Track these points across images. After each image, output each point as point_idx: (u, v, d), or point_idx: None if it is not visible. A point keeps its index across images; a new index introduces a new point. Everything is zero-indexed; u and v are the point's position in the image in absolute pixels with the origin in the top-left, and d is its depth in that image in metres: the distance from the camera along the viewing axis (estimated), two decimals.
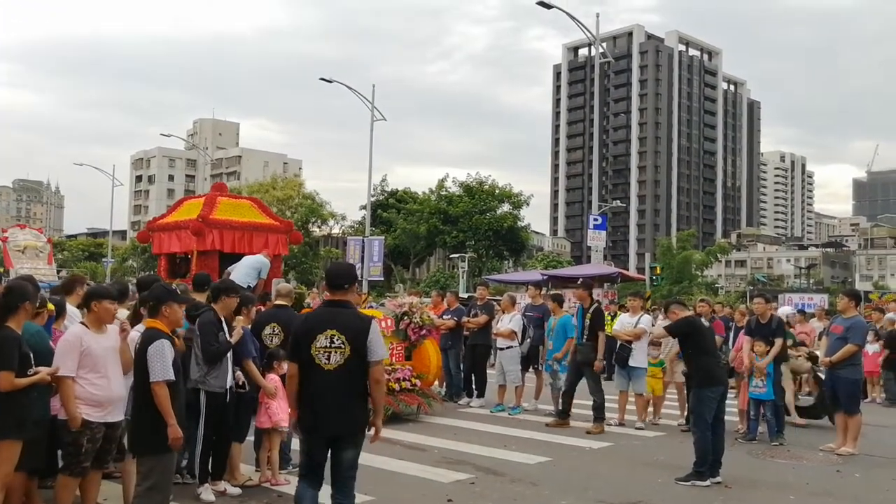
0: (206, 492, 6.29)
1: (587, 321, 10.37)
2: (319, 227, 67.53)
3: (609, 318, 12.77)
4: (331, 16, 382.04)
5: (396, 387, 10.12)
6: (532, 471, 7.79)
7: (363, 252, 34.77)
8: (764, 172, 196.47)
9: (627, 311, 11.60)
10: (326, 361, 4.70)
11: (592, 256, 29.33)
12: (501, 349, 11.74)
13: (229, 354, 6.46)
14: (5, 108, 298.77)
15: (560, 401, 10.67)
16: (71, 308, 6.44)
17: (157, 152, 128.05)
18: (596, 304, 10.70)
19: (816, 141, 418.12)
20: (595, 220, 28.53)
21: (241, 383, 6.62)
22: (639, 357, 10.68)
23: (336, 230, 70.11)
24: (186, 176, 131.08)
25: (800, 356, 11.30)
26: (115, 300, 5.48)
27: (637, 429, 10.33)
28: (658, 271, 43.84)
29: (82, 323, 5.43)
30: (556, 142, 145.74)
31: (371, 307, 15.18)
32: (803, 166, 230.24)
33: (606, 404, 10.34)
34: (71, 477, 5.23)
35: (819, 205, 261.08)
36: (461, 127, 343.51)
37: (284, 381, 5.55)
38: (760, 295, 10.95)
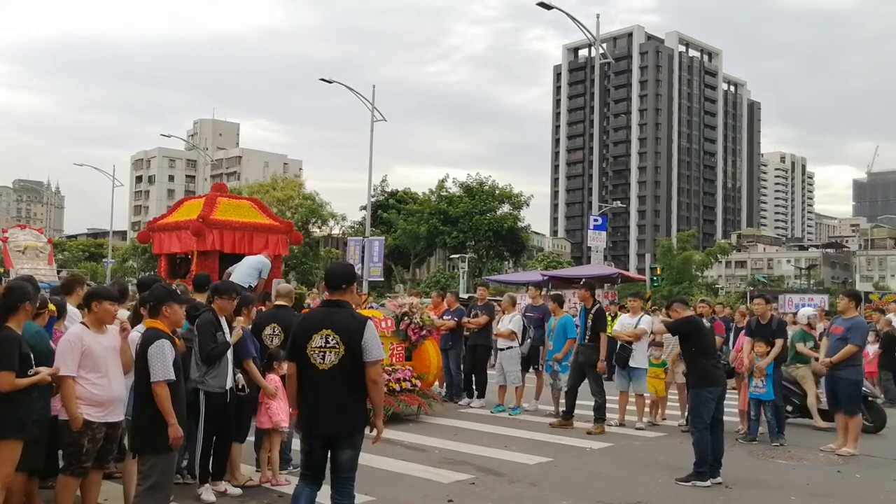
0: (207, 492, 6.29)
1: (589, 322, 10.37)
2: (320, 227, 67.52)
3: (609, 318, 12.77)
4: (330, 16, 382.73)
5: (397, 387, 10.13)
6: (532, 471, 7.79)
7: (363, 252, 34.74)
8: (764, 173, 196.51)
9: (627, 311, 11.61)
10: (321, 361, 4.71)
11: (593, 257, 29.30)
12: (502, 350, 11.74)
13: (230, 355, 6.46)
14: (5, 109, 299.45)
15: (563, 401, 10.67)
16: (71, 308, 6.44)
17: (158, 153, 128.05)
18: (598, 305, 10.70)
19: (817, 142, 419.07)
20: (595, 220, 28.50)
21: (241, 386, 6.62)
22: (639, 358, 10.68)
23: (336, 231, 70.15)
24: (187, 176, 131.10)
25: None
26: (115, 301, 5.48)
27: (637, 429, 10.33)
28: (658, 272, 43.80)
29: (82, 323, 5.43)
30: (557, 142, 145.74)
31: (371, 308, 15.18)
32: (803, 167, 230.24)
33: (607, 405, 10.34)
34: (72, 477, 5.23)
35: (819, 205, 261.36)
36: (461, 127, 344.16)
37: (285, 381, 5.56)
38: (761, 295, 10.94)
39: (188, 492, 6.36)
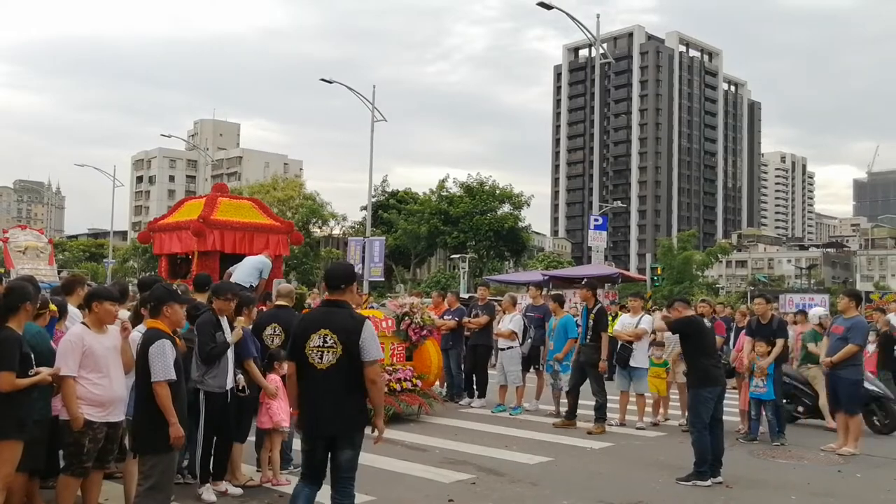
0: (208, 492, 6.29)
1: (591, 322, 10.37)
2: (320, 227, 67.50)
3: (610, 318, 12.77)
4: (330, 16, 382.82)
5: (398, 387, 10.13)
6: (533, 471, 7.79)
7: (364, 252, 34.74)
8: (764, 173, 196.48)
9: (628, 311, 11.61)
10: (319, 361, 4.72)
11: (593, 257, 29.29)
12: (502, 349, 11.74)
13: (230, 355, 6.47)
14: (5, 109, 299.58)
15: (565, 401, 10.67)
16: (72, 309, 6.44)
17: (158, 153, 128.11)
18: (599, 305, 10.70)
19: (817, 141, 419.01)
20: (596, 220, 28.49)
21: (241, 387, 6.63)
22: (639, 357, 10.68)
23: (337, 231, 70.13)
24: (187, 176, 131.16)
25: None
26: (116, 301, 5.48)
27: (638, 429, 10.33)
28: (659, 272, 43.87)
29: (83, 323, 5.43)
30: (557, 142, 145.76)
31: (372, 308, 15.18)
32: (804, 167, 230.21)
33: (608, 404, 10.34)
34: (72, 477, 5.24)
35: (820, 205, 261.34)
36: (461, 127, 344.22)
37: (286, 381, 5.56)
38: (761, 295, 10.94)
39: (189, 492, 6.37)
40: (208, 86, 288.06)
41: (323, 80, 37.31)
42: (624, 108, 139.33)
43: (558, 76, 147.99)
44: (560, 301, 11.52)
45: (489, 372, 12.49)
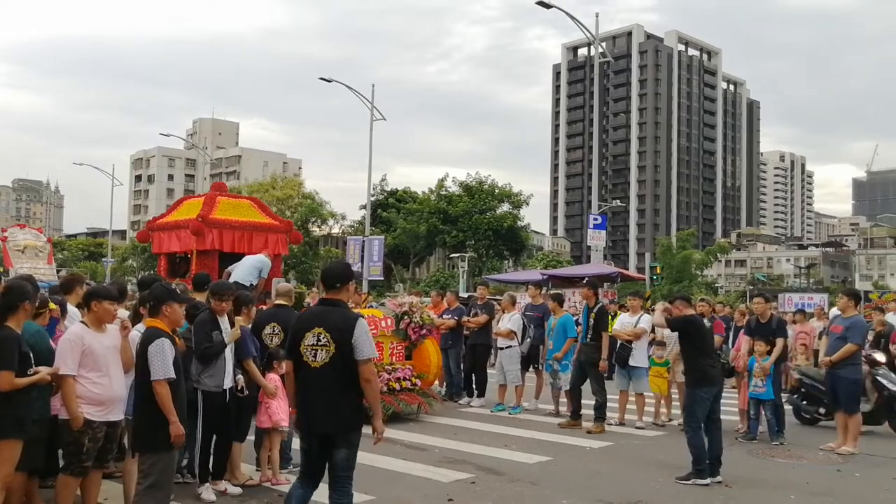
0: (207, 491, 6.29)
1: (591, 320, 10.37)
2: (319, 226, 67.52)
3: (609, 317, 12.77)
4: (330, 16, 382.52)
5: (397, 386, 10.13)
6: (532, 470, 7.79)
7: (363, 252, 34.76)
8: (764, 172, 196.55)
9: (627, 310, 11.60)
10: (313, 359, 4.73)
11: (592, 256, 29.29)
12: (502, 349, 11.74)
13: (229, 355, 6.46)
14: (5, 109, 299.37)
15: (565, 401, 10.66)
16: (71, 308, 6.44)
17: (157, 152, 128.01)
18: (600, 304, 10.71)
19: (816, 141, 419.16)
20: (595, 219, 28.49)
21: (240, 387, 6.62)
22: (639, 357, 10.68)
23: (336, 230, 70.15)
24: (186, 175, 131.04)
25: None
26: (114, 300, 5.48)
27: (637, 428, 10.33)
28: (658, 271, 43.80)
29: (82, 322, 5.43)
30: (556, 141, 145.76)
31: (371, 307, 15.18)
32: (803, 166, 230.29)
33: (607, 404, 10.34)
34: (72, 476, 5.23)
35: (819, 204, 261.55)
36: (461, 127, 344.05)
37: (285, 380, 5.56)
38: (760, 294, 10.94)
39: (188, 491, 6.37)
40: (208, 85, 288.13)
41: (322, 79, 37.31)
42: (623, 107, 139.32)
43: (557, 75, 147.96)
44: (559, 300, 11.52)
45: (488, 371, 12.48)
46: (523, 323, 11.91)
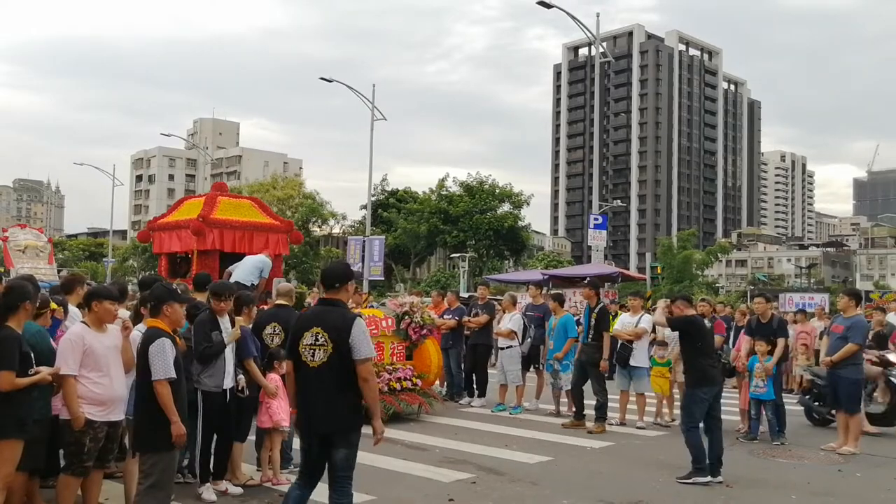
0: (208, 491, 6.29)
1: (593, 320, 10.37)
2: (320, 226, 67.57)
3: (610, 317, 12.77)
4: (330, 16, 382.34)
5: (398, 386, 10.13)
6: (533, 470, 7.79)
7: (364, 252, 34.77)
8: (764, 172, 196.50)
9: (628, 310, 11.60)
10: (311, 359, 4.74)
11: (593, 256, 29.30)
12: (502, 349, 11.73)
13: (230, 355, 6.46)
14: (5, 109, 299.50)
15: (565, 401, 10.65)
16: (72, 308, 6.44)
17: (158, 152, 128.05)
18: (601, 304, 10.70)
19: (817, 141, 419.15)
20: (595, 219, 28.50)
21: (240, 388, 6.62)
22: (639, 357, 10.67)
23: (336, 230, 70.20)
24: (187, 175, 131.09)
25: (868, 360, 10.39)
26: (115, 300, 5.48)
27: (638, 428, 10.32)
28: (659, 271, 43.88)
29: (83, 322, 5.43)
30: (557, 141, 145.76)
31: (372, 307, 15.18)
32: (804, 166, 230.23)
33: (608, 404, 10.33)
34: (73, 476, 5.23)
35: (819, 204, 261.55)
36: (461, 127, 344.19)
37: (285, 380, 5.57)
38: (761, 294, 10.94)
39: (189, 491, 6.37)
40: (208, 85, 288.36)
41: (322, 78, 37.32)
42: (624, 107, 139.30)
43: (558, 75, 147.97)
44: (560, 300, 11.52)
45: (489, 371, 12.48)
46: (524, 323, 11.91)
